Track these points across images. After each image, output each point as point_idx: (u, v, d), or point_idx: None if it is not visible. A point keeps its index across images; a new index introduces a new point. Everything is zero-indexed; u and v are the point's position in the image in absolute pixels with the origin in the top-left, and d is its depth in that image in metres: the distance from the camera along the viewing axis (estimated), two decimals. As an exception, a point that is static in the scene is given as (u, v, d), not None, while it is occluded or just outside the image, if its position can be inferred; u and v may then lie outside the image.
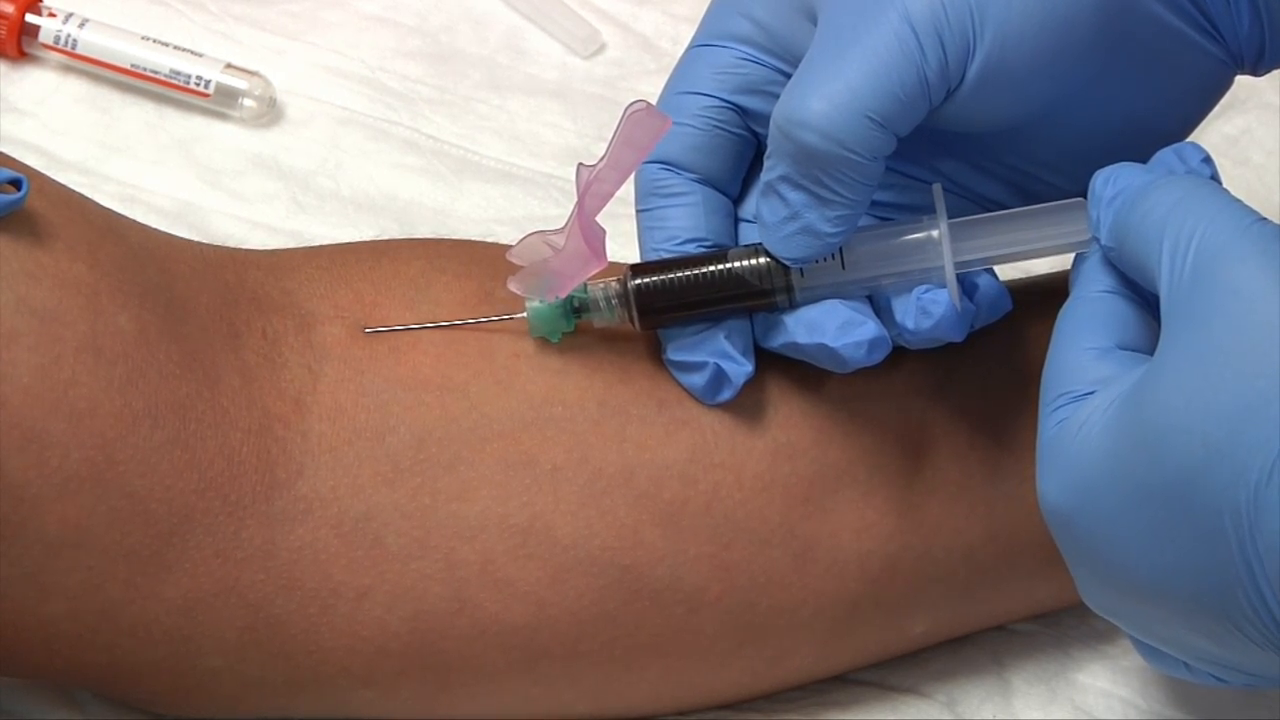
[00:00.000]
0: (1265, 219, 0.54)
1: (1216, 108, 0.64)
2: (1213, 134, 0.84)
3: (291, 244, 0.78)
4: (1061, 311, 0.59)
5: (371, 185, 0.84)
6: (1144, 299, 0.58)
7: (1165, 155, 0.59)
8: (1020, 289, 0.67)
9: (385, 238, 0.79)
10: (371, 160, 0.85)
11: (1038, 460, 0.57)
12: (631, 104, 0.60)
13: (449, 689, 0.63)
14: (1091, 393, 0.56)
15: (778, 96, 0.59)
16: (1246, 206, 0.54)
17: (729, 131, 0.64)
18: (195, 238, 0.69)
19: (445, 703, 0.63)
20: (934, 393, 0.65)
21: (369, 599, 0.61)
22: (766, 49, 0.63)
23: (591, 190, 0.60)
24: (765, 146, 0.60)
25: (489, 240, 0.74)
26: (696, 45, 0.64)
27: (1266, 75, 0.63)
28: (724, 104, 0.63)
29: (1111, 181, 0.58)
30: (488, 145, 0.86)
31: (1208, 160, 0.59)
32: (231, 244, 0.76)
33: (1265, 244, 0.52)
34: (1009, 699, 0.70)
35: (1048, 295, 0.64)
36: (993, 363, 0.66)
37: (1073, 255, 0.60)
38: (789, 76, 0.60)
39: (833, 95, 0.58)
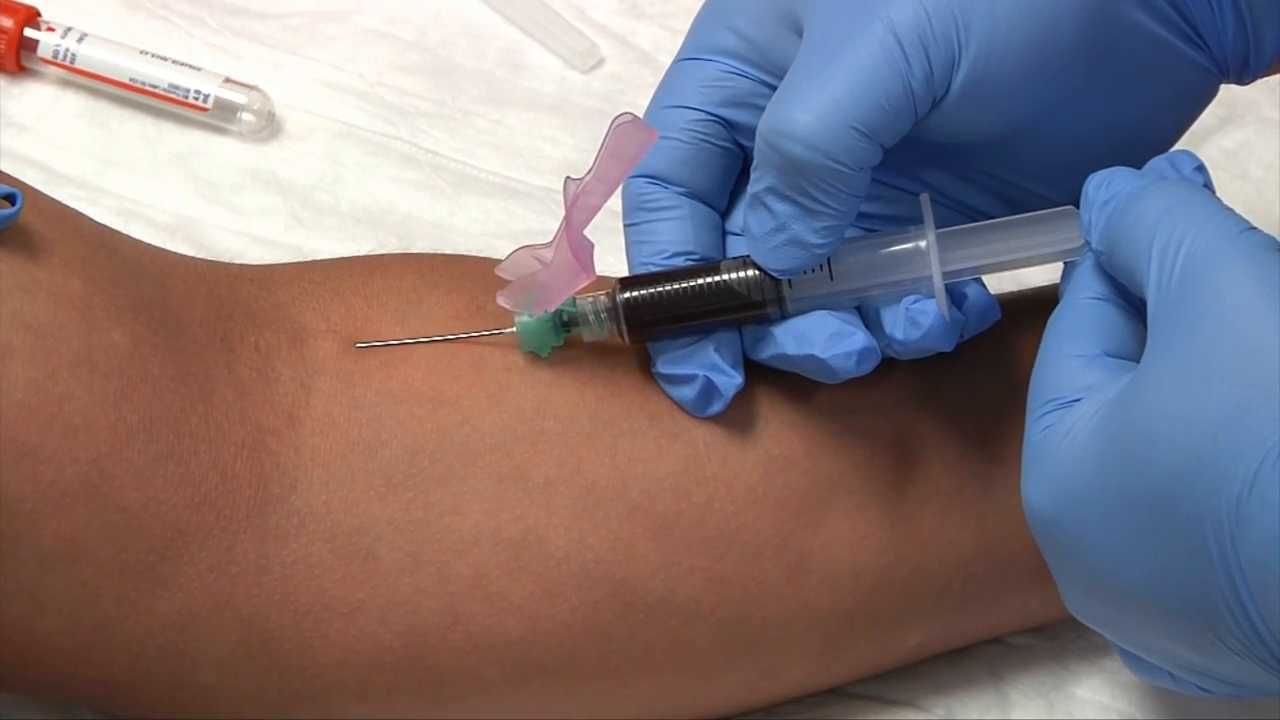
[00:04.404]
0: (1255, 228, 0.54)
1: (1215, 121, 0.64)
2: (1211, 148, 0.84)
3: (290, 258, 0.78)
4: (1051, 318, 0.59)
5: (370, 199, 0.84)
6: (1134, 306, 0.58)
7: (1158, 163, 0.59)
8: (1009, 300, 0.67)
9: (383, 252, 0.79)
10: (370, 174, 0.85)
11: (1024, 466, 0.57)
12: (618, 117, 0.59)
13: (443, 703, 0.63)
14: (1078, 399, 0.56)
15: (764, 109, 0.59)
16: (1237, 215, 0.54)
17: (715, 145, 0.63)
18: (194, 252, 0.70)
19: (440, 716, 0.63)
20: (924, 403, 0.65)
21: (362, 613, 0.61)
22: (752, 62, 0.63)
23: (579, 204, 0.60)
24: (752, 159, 0.60)
25: (487, 254, 0.75)
26: (682, 59, 0.64)
27: (1266, 89, 0.63)
28: (710, 117, 0.63)
29: (1105, 186, 0.58)
30: (486, 159, 0.86)
31: (1201, 168, 0.58)
32: (229, 258, 0.76)
33: (1254, 253, 0.52)
34: (1007, 712, 0.70)
35: (1037, 306, 0.64)
36: (982, 373, 0.66)
37: (1061, 266, 0.60)
38: (775, 89, 0.60)
39: (818, 107, 0.57)
